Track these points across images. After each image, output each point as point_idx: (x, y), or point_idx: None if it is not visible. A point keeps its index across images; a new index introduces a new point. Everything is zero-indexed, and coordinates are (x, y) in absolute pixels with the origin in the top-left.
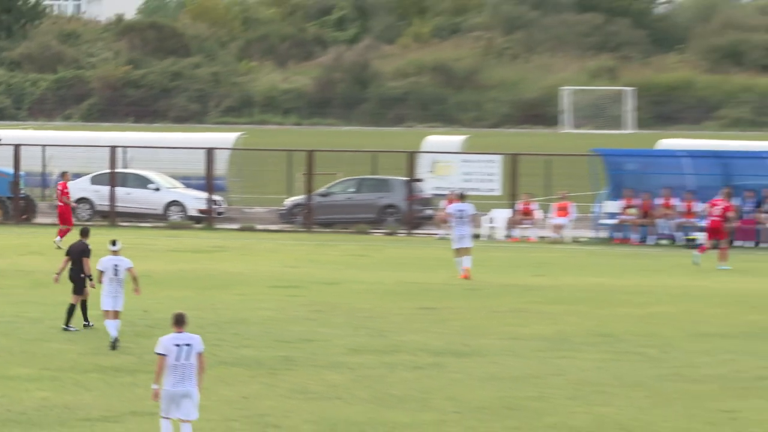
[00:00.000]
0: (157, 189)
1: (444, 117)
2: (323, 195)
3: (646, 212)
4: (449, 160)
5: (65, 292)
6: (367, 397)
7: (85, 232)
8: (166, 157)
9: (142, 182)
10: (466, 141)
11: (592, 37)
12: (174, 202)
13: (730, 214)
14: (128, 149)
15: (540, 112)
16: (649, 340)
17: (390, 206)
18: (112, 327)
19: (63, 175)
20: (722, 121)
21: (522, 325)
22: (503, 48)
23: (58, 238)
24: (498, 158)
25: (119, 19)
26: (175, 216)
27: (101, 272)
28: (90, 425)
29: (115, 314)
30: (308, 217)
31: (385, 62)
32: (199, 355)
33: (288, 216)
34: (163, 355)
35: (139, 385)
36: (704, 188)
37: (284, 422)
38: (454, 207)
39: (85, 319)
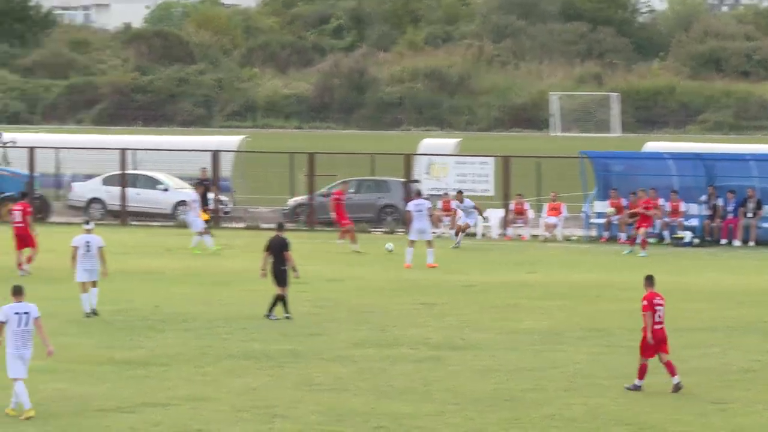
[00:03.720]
0: (166, 189)
1: (438, 121)
2: (324, 195)
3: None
4: (444, 162)
5: (77, 288)
6: (370, 389)
7: (281, 227)
8: (174, 159)
9: (152, 183)
10: (459, 144)
11: (578, 45)
12: (182, 202)
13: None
14: (137, 152)
15: (529, 117)
16: (639, 334)
17: (388, 206)
18: (86, 299)
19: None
20: (704, 125)
21: (517, 320)
22: (493, 55)
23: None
24: (491, 160)
25: (127, 27)
26: (183, 215)
27: (75, 248)
28: (104, 416)
29: (93, 284)
30: (310, 217)
31: (381, 68)
32: (36, 320)
33: (291, 215)
34: (3, 322)
35: (151, 377)
36: (688, 189)
37: (291, 413)
38: (412, 203)
39: (285, 310)
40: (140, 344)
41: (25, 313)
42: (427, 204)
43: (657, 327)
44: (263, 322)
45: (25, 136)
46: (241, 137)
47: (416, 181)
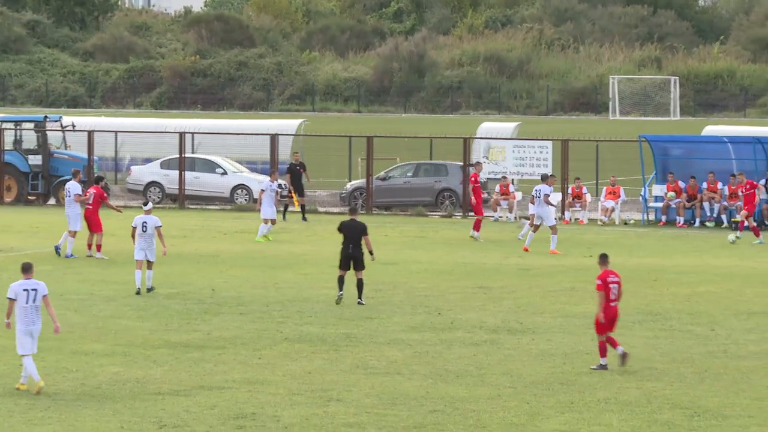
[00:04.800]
0: (224, 173)
1: (497, 104)
2: (382, 179)
3: (692, 196)
4: (503, 146)
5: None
6: (425, 373)
7: (354, 211)
8: (232, 142)
9: (210, 167)
10: (518, 127)
11: (638, 29)
12: (240, 186)
13: None
14: (196, 135)
15: (589, 100)
16: (696, 318)
17: (446, 190)
18: (138, 276)
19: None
20: (764, 108)
21: (574, 303)
22: (553, 39)
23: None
24: (550, 144)
25: (187, 11)
26: (241, 199)
27: (134, 228)
28: (160, 399)
29: (148, 264)
30: (368, 200)
31: (441, 52)
32: (45, 297)
33: (349, 199)
34: (13, 299)
35: (206, 360)
36: (747, 173)
37: (346, 396)
38: (535, 189)
39: (359, 296)
40: (196, 327)
41: (33, 289)
42: (546, 189)
43: (612, 305)
44: (318, 306)
45: (84, 120)
46: (299, 121)
47: (474, 165)
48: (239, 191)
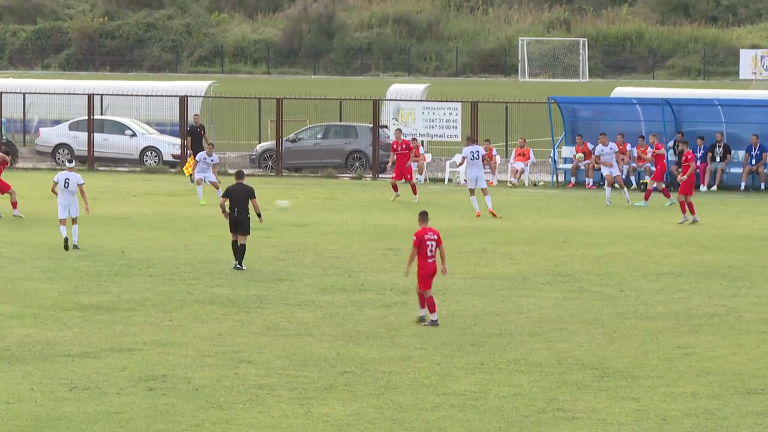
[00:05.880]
0: (133, 135)
1: (406, 66)
2: (292, 141)
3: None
4: (412, 108)
5: (45, 234)
6: (336, 334)
7: (240, 175)
8: (142, 104)
9: (119, 129)
10: (427, 89)
11: None
12: (149, 148)
13: None
14: (105, 97)
15: (498, 62)
16: (606, 279)
17: (356, 151)
18: (65, 231)
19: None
20: (672, 70)
21: (484, 265)
22: (462, 1)
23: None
24: (459, 105)
25: None
26: (150, 161)
27: (55, 183)
28: (70, 360)
29: (72, 221)
30: (278, 162)
31: (350, 14)
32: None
33: (259, 161)
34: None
35: (117, 322)
36: (656, 134)
37: (257, 358)
38: (468, 149)
39: (239, 262)
40: (107, 290)
41: None
42: (482, 151)
43: (429, 261)
44: (228, 268)
45: None
46: (209, 83)
47: (384, 127)
48: (148, 153)
